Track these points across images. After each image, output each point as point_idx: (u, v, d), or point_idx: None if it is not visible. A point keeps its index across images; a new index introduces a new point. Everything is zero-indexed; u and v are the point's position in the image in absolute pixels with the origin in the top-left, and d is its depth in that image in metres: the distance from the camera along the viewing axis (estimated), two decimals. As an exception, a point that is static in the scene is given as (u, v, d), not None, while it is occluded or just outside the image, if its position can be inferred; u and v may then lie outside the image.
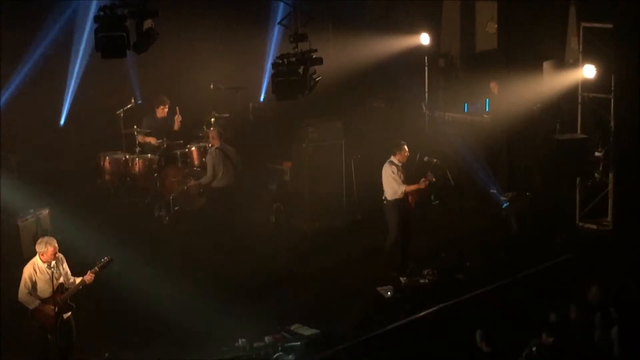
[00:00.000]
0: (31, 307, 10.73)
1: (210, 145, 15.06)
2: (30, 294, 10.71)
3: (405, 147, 13.71)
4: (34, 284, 10.71)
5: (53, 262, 10.63)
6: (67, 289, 10.83)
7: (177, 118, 15.87)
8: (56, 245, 10.72)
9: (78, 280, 10.87)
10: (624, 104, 14.88)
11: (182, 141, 15.97)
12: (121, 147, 15.72)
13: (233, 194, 14.79)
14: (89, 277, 10.80)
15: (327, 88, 13.84)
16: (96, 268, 10.82)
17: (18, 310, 11.00)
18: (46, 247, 10.66)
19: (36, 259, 10.75)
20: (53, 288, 10.67)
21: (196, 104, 16.91)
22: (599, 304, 11.16)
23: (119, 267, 12.86)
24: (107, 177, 15.60)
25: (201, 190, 15.06)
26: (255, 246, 14.65)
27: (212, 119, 16.20)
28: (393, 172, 13.57)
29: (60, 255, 10.83)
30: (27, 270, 10.73)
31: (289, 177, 16.50)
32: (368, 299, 13.07)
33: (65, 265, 10.92)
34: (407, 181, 13.63)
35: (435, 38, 18.59)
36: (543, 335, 10.58)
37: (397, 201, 13.65)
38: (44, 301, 10.73)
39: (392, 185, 13.60)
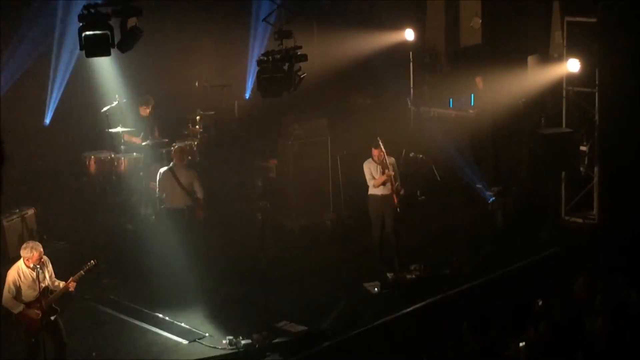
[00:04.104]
0: (15, 311, 10.66)
1: None
2: (15, 298, 10.65)
3: (377, 147, 13.68)
4: (18, 289, 10.62)
5: (38, 265, 10.58)
6: (51, 292, 10.78)
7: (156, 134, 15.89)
8: (41, 250, 10.66)
9: (62, 284, 10.84)
10: (608, 97, 14.96)
11: (167, 140, 15.94)
12: (106, 147, 15.66)
13: (186, 218, 13.74)
14: (71, 285, 10.77)
15: (312, 85, 13.87)
16: (81, 272, 10.79)
17: (6, 312, 10.97)
18: (32, 253, 10.59)
19: (20, 264, 10.67)
20: (38, 291, 10.63)
21: (182, 102, 16.88)
22: (584, 297, 11.21)
23: (106, 266, 12.87)
24: (92, 176, 15.54)
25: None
26: (241, 243, 14.61)
27: (198, 117, 16.17)
28: (368, 169, 13.72)
29: (45, 258, 10.77)
30: (11, 275, 10.67)
31: (275, 175, 16.48)
32: (355, 295, 13.08)
33: (50, 267, 10.85)
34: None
35: (419, 34, 18.62)
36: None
37: (375, 197, 13.71)
38: (28, 305, 10.66)
39: (368, 180, 13.76)
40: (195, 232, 13.74)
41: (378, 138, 13.60)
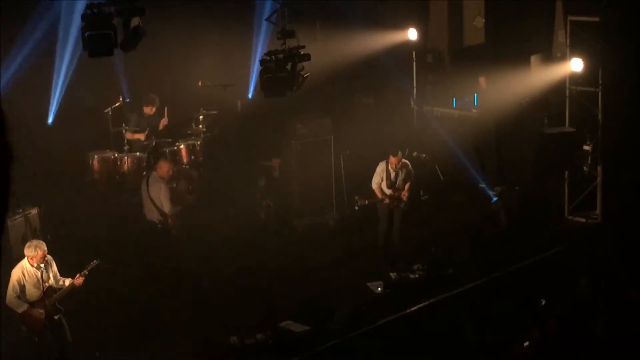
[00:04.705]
0: (19, 310, 10.66)
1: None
2: (19, 297, 10.65)
3: (396, 156, 13.80)
4: (22, 288, 10.62)
5: (42, 264, 10.58)
6: (55, 292, 10.77)
7: (164, 121, 15.84)
8: (45, 248, 10.65)
9: (67, 282, 10.82)
10: (611, 97, 14.95)
11: (170, 139, 15.94)
12: (110, 146, 15.67)
13: (158, 234, 13.41)
14: (78, 280, 10.76)
15: (315, 84, 13.84)
16: (85, 272, 10.78)
17: (10, 311, 10.96)
18: (36, 251, 10.57)
19: (24, 262, 10.66)
20: (42, 290, 10.62)
21: (184, 102, 16.86)
22: (587, 297, 11.20)
23: (109, 265, 12.85)
24: (96, 176, 15.53)
25: (190, 187, 15.02)
26: (245, 243, 14.61)
27: (201, 117, 16.18)
28: (380, 170, 13.87)
29: (49, 257, 10.75)
30: (16, 274, 10.65)
31: (278, 174, 16.48)
32: (358, 295, 13.08)
33: (54, 267, 10.85)
34: (391, 185, 13.86)
35: (423, 33, 18.59)
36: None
37: (384, 193, 13.81)
38: (32, 304, 10.66)
39: (373, 178, 13.96)
40: (168, 246, 13.42)
41: (399, 151, 13.87)
